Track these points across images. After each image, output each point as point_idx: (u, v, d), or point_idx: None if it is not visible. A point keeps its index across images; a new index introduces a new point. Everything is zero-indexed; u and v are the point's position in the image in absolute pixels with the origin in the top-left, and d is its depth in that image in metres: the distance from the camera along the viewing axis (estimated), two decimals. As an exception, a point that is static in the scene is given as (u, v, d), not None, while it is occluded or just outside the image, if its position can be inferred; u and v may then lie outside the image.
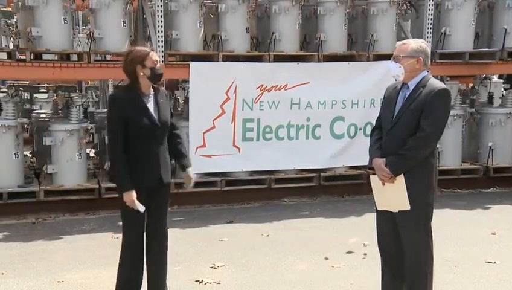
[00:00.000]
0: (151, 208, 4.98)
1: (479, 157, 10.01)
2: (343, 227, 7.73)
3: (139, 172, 4.84)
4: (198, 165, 8.34)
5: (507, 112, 9.87)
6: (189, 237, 7.07)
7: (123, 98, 5.00)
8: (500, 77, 12.81)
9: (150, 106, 4.90)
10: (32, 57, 8.24)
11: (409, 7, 9.99)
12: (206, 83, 8.38)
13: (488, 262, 6.33)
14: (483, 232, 7.46)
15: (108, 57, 8.93)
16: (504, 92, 11.02)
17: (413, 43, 4.86)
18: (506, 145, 9.87)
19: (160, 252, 5.06)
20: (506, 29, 9.41)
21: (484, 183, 9.85)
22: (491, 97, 10.75)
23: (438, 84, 4.82)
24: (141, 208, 4.72)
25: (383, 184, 4.76)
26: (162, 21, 8.32)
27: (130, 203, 4.72)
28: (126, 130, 4.82)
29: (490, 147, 9.70)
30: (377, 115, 5.30)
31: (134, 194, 4.74)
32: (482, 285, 5.75)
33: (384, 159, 4.74)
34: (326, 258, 6.45)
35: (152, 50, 4.93)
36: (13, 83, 13.70)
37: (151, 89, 4.92)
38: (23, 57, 8.28)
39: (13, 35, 8.91)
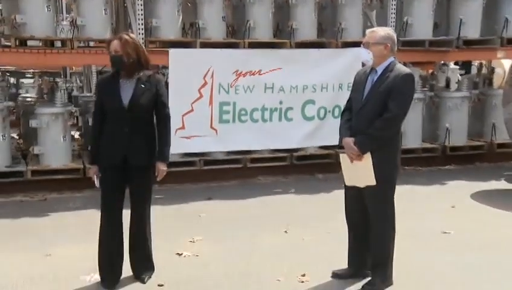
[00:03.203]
0: (131, 189, 5.01)
1: (437, 138, 10.12)
2: (314, 203, 7.79)
3: (104, 150, 4.91)
4: (177, 146, 8.34)
5: (462, 96, 10.03)
6: (169, 214, 7.07)
7: (101, 81, 5.19)
8: (456, 63, 12.94)
9: (126, 90, 4.85)
10: (17, 43, 8.11)
11: (374, -3, 10.04)
12: (184, 69, 8.33)
13: (444, 232, 6.46)
14: (441, 205, 7.60)
15: (92, 44, 8.82)
16: (460, 77, 11.13)
17: (381, 31, 4.96)
18: (461, 126, 10.02)
19: (136, 228, 5.07)
20: (461, 20, 9.51)
21: (442, 161, 9.99)
22: (448, 82, 10.93)
23: (404, 69, 4.90)
24: (97, 183, 4.92)
25: (352, 162, 4.85)
26: (142, 9, 8.27)
27: (92, 177, 4.94)
28: (103, 111, 4.93)
29: (447, 128, 9.85)
30: (345, 98, 5.36)
31: (94, 169, 4.94)
32: (437, 252, 5.86)
33: (353, 138, 4.81)
34: (297, 232, 6.48)
35: (124, 38, 4.84)
36: (0, 69, 13.51)
37: (136, 73, 4.85)
38: (9, 43, 8.19)
39: (-1, 23, 8.81)
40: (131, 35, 5.04)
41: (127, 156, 4.86)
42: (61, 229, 6.61)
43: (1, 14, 9.04)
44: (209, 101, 8.53)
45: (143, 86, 4.85)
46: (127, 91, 4.85)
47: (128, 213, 5.05)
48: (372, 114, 4.76)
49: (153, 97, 4.89)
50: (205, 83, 8.47)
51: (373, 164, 4.73)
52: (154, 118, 5.01)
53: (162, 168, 4.96)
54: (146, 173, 4.96)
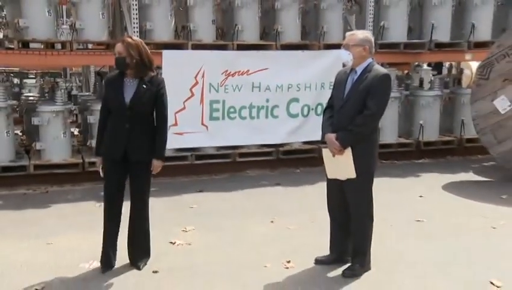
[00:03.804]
0: (131, 182, 5.01)
1: (411, 133, 10.14)
2: (299, 194, 7.77)
3: (106, 144, 4.93)
4: (171, 142, 8.18)
5: (434, 95, 10.06)
6: (163, 205, 7.02)
7: (108, 79, 5.10)
8: (429, 64, 13.02)
9: (128, 88, 4.84)
10: (20, 46, 8.10)
11: (353, 3, 10.04)
12: (177, 69, 8.26)
13: (418, 221, 6.49)
14: (415, 196, 7.63)
15: (90, 46, 8.77)
16: (432, 77, 11.18)
17: (360, 34, 4.98)
18: (433, 123, 10.06)
19: (135, 219, 5.07)
20: (433, 24, 9.60)
21: (416, 155, 10.01)
22: (421, 82, 10.97)
23: (382, 70, 4.91)
24: (101, 173, 4.97)
25: (334, 156, 4.86)
26: (137, 13, 8.23)
27: (98, 167, 5.01)
28: (108, 108, 4.94)
29: (421, 124, 9.87)
30: (327, 96, 5.35)
31: (99, 160, 5.01)
32: (412, 239, 5.90)
33: (335, 134, 4.81)
34: (283, 221, 6.47)
35: (127, 41, 4.82)
36: (4, 70, 13.41)
37: (138, 74, 4.84)
38: (12, 46, 8.13)
39: (2, 26, 8.75)
40: (135, 38, 5.02)
41: (127, 152, 4.85)
42: (61, 220, 6.56)
43: (5, 19, 8.98)
44: (200, 99, 8.49)
45: (145, 86, 4.83)
46: (129, 90, 4.84)
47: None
48: (352, 111, 4.76)
49: (154, 97, 4.86)
50: (196, 83, 8.42)
51: (353, 158, 4.74)
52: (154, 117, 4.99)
53: (157, 164, 4.94)
54: (145, 167, 4.94)
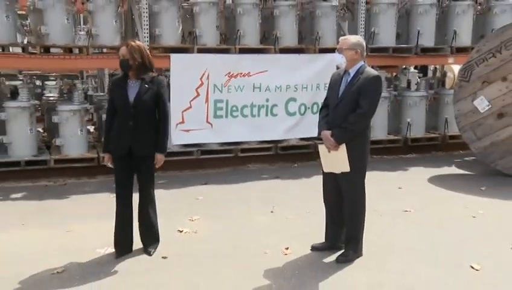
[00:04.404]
0: (137, 175, 5.02)
1: (400, 130, 10.11)
2: (296, 187, 7.74)
3: (112, 140, 4.94)
4: (178, 138, 8.38)
5: (421, 95, 10.03)
6: (171, 196, 6.99)
7: (113, 81, 5.19)
8: (415, 67, 13.03)
9: (132, 89, 4.85)
10: (41, 51, 8.12)
11: (346, 11, 10.01)
12: (183, 71, 8.24)
13: (405, 211, 6.48)
14: (403, 188, 7.62)
15: (104, 50, 8.74)
16: (418, 79, 11.16)
17: (352, 38, 4.96)
18: (420, 121, 10.01)
19: (142, 208, 5.08)
20: (419, 31, 9.58)
21: (404, 150, 9.96)
22: (409, 83, 10.95)
23: (373, 72, 4.89)
24: (111, 165, 5.00)
25: (329, 151, 4.83)
26: (147, 20, 8.18)
27: (106, 163, 5.04)
28: (114, 107, 4.95)
29: (408, 122, 9.84)
30: (322, 96, 5.32)
31: (107, 156, 5.01)
32: (400, 228, 5.91)
33: (330, 131, 4.78)
34: (282, 211, 6.45)
35: (131, 44, 4.83)
36: (27, 72, 13.37)
37: (141, 75, 4.83)
38: (35, 51, 8.16)
39: (27, 33, 8.75)
40: (137, 41, 5.00)
41: (132, 148, 4.85)
42: (79, 210, 6.55)
43: (29, 26, 8.97)
44: (205, 99, 8.44)
45: (146, 85, 4.83)
46: (133, 90, 4.84)
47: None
48: (346, 110, 4.74)
49: (155, 96, 4.86)
50: (201, 83, 8.38)
51: (347, 153, 4.72)
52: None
53: (160, 158, 4.94)
54: (149, 161, 4.94)
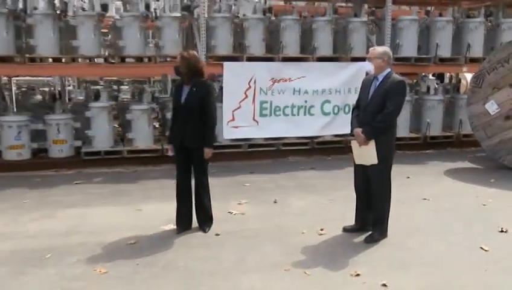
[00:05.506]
0: (192, 164, 5.02)
1: (420, 129, 9.85)
2: (330, 176, 7.61)
3: (171, 134, 5.06)
4: (228, 134, 8.39)
5: (438, 99, 9.80)
6: (222, 183, 6.97)
7: (174, 86, 5.37)
8: (433, 75, 12.73)
9: (184, 92, 4.89)
10: (119, 61, 8.26)
11: (374, 26, 9.82)
12: (234, 76, 8.22)
13: (424, 199, 6.34)
14: (422, 179, 7.45)
15: (168, 59, 8.81)
16: (436, 85, 10.89)
17: (380, 49, 4.92)
18: (437, 121, 9.75)
19: (198, 192, 5.09)
20: (437, 43, 9.41)
21: (423, 146, 9.70)
22: (428, 89, 10.66)
23: (399, 77, 4.81)
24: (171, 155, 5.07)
25: (360, 146, 4.76)
26: (204, 34, 8.18)
27: (169, 153, 5.10)
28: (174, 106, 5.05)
29: (428, 122, 9.61)
30: (353, 99, 5.25)
31: (169, 147, 5.07)
32: (419, 213, 5.80)
33: (361, 128, 4.70)
34: (317, 198, 6.37)
35: (182, 55, 4.89)
36: (107, 78, 13.65)
37: (192, 80, 4.86)
38: (113, 61, 8.30)
39: (107, 46, 8.93)
40: (190, 52, 5.02)
41: (183, 140, 4.89)
42: (147, 192, 6.62)
43: (109, 41, 9.16)
44: (252, 100, 8.40)
45: (194, 89, 4.86)
46: (185, 93, 4.89)
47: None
48: (375, 110, 4.67)
49: (201, 98, 4.84)
50: (249, 87, 8.34)
51: (376, 148, 4.64)
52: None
53: (207, 151, 4.91)
54: (200, 153, 4.93)
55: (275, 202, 6.16)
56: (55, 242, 4.81)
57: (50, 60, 8.17)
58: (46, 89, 12.37)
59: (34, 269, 4.22)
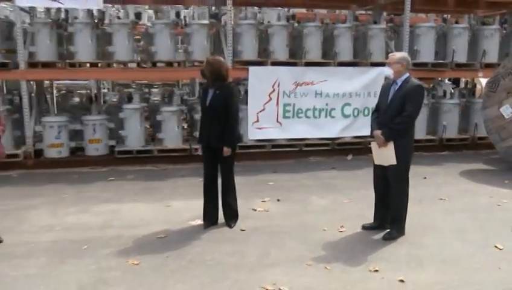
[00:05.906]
0: (219, 163, 5.00)
1: (436, 132, 9.69)
2: (350, 176, 7.53)
3: (200, 135, 5.10)
4: (253, 134, 8.37)
5: (454, 103, 9.64)
6: (247, 182, 6.96)
7: (202, 88, 5.37)
8: (449, 79, 12.50)
9: (209, 94, 4.91)
10: (150, 65, 8.33)
11: (393, 32, 9.70)
12: (259, 80, 8.21)
13: (440, 199, 6.23)
14: (438, 179, 7.31)
15: (196, 64, 8.85)
16: (452, 90, 10.70)
17: (398, 54, 4.88)
18: (453, 124, 9.61)
19: (224, 190, 5.09)
20: (454, 49, 9.26)
21: (440, 148, 9.53)
22: (444, 93, 10.50)
23: (417, 82, 4.74)
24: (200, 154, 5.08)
25: (379, 147, 4.69)
26: (231, 40, 8.18)
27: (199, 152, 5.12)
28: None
29: (444, 125, 9.46)
30: (373, 102, 5.18)
31: (198, 146, 5.16)
32: (436, 212, 5.69)
33: (381, 130, 4.64)
34: (338, 196, 6.31)
35: (207, 60, 4.92)
36: (139, 82, 13.78)
37: (216, 84, 4.86)
38: (145, 66, 8.39)
39: (140, 52, 9.03)
40: (216, 57, 5.07)
41: (209, 140, 4.92)
42: (176, 189, 6.66)
43: (142, 46, 9.27)
44: (276, 102, 8.37)
45: (218, 92, 4.87)
46: (210, 95, 4.91)
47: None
48: (394, 113, 4.60)
49: (224, 100, 4.84)
50: (273, 90, 8.31)
51: (394, 149, 4.58)
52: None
53: (225, 150, 4.88)
54: (222, 152, 4.91)
55: (278, 201, 6.11)
56: (91, 235, 4.88)
57: (88, 65, 8.32)
58: (83, 91, 12.58)
59: (73, 260, 4.29)
